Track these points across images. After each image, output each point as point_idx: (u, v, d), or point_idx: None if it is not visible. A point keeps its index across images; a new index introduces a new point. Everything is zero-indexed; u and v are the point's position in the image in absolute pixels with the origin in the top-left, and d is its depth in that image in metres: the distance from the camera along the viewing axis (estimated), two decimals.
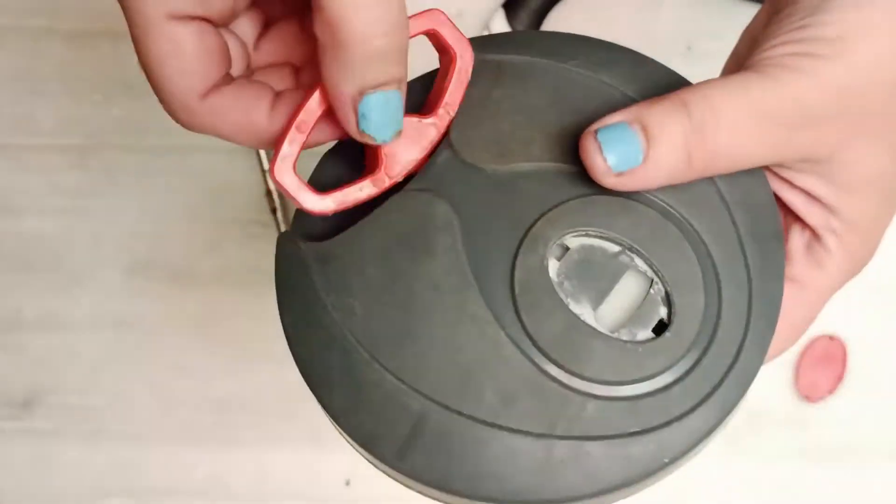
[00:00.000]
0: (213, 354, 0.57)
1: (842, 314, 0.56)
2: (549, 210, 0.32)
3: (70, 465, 0.56)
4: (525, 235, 0.32)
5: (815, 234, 0.35)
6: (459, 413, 0.31)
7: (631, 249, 0.32)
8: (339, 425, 0.32)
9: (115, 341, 0.57)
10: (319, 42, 0.30)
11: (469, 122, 0.34)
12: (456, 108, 0.33)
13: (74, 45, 0.58)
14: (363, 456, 0.33)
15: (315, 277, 0.32)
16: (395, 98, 0.31)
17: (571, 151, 0.33)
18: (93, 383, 0.57)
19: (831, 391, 0.56)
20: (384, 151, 0.33)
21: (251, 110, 0.32)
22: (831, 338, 0.56)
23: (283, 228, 0.57)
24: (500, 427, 0.31)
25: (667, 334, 0.31)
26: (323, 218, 0.33)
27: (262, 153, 0.57)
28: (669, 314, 0.32)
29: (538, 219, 0.32)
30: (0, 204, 0.58)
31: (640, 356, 0.31)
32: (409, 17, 0.31)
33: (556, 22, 0.57)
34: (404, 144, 0.33)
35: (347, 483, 0.56)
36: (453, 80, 0.33)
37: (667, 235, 0.32)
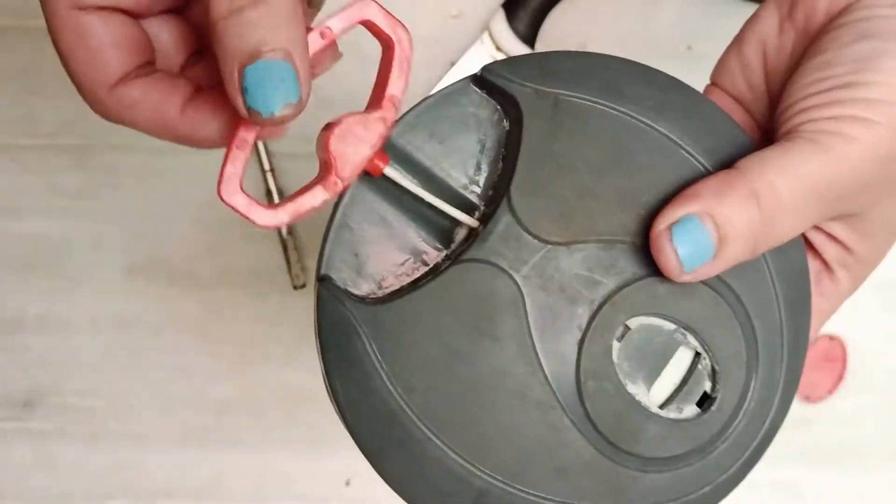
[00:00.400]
0: (214, 355, 0.57)
1: (842, 314, 0.56)
2: (616, 293, 0.32)
3: (70, 466, 0.56)
4: (591, 321, 0.32)
5: (826, 266, 0.36)
6: (521, 491, 0.32)
7: (685, 328, 0.33)
8: (397, 493, 0.33)
9: (116, 342, 0.57)
10: (206, 26, 0.30)
11: (530, 183, 0.32)
12: (400, 99, 0.32)
13: None
14: None
15: (368, 344, 0.32)
16: (280, 67, 0.29)
17: (637, 227, 0.32)
18: (93, 384, 0.57)
19: (831, 391, 0.56)
20: (332, 153, 0.31)
21: (162, 105, 0.32)
22: (831, 338, 0.56)
23: (283, 229, 0.57)
24: (556, 501, 0.32)
25: (711, 410, 0.33)
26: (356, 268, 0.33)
27: (263, 153, 0.57)
28: (713, 388, 0.33)
29: (605, 302, 0.32)
30: (0, 204, 0.58)
31: (687, 432, 0.33)
32: (340, 10, 0.31)
33: (556, 22, 0.57)
34: (352, 143, 0.31)
35: (347, 483, 0.56)
36: (394, 69, 0.31)
37: (718, 312, 0.33)
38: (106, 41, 0.31)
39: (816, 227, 0.35)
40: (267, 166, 0.57)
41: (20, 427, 0.57)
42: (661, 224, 0.31)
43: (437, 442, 0.31)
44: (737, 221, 0.31)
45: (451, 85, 0.33)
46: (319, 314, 0.32)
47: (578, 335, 0.32)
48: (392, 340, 0.32)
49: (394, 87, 0.32)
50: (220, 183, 0.31)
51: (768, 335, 0.33)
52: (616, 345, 0.32)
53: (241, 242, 0.57)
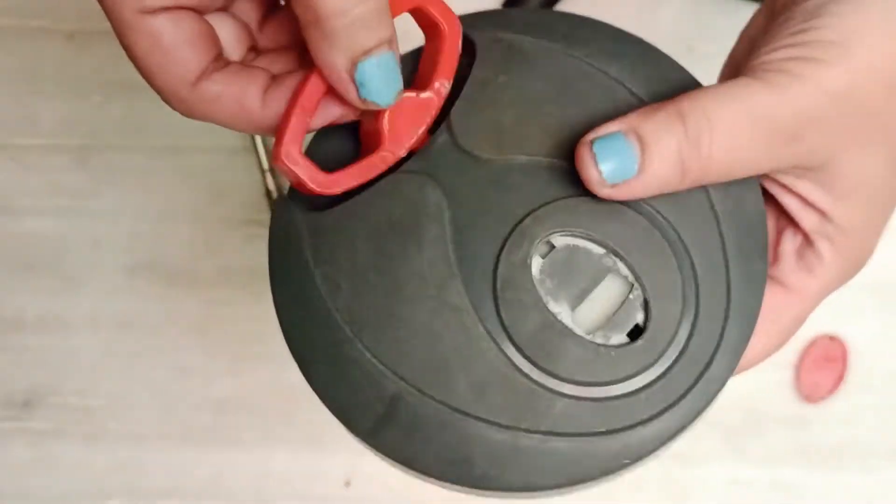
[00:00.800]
0: (213, 355, 0.57)
1: (842, 314, 0.56)
2: (539, 207, 0.32)
3: (70, 465, 0.56)
4: (512, 231, 0.32)
5: (807, 239, 0.35)
6: (432, 398, 0.32)
7: (615, 253, 0.32)
8: (318, 397, 0.33)
9: (116, 341, 0.57)
10: (301, 22, 0.30)
11: (471, 107, 0.34)
12: (450, 83, 0.33)
13: (74, 45, 0.58)
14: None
15: (306, 248, 0.33)
16: (389, 59, 0.31)
17: (568, 149, 0.33)
18: (93, 384, 0.57)
19: (832, 391, 0.56)
20: (386, 128, 0.33)
21: (244, 95, 0.32)
22: (831, 338, 0.56)
23: None
24: (470, 415, 0.31)
25: (640, 341, 0.32)
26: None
27: (262, 153, 0.57)
28: (646, 320, 0.32)
29: (527, 215, 0.32)
30: (0, 204, 0.58)
31: (612, 360, 0.32)
32: None
33: None
34: (405, 121, 0.33)
35: (347, 483, 0.56)
36: (446, 53, 0.33)
37: (652, 243, 0.32)
38: (179, 40, 0.31)
39: (788, 190, 0.34)
40: (266, 166, 0.57)
41: (19, 427, 0.57)
42: (585, 138, 0.31)
43: (358, 344, 0.32)
44: (661, 135, 0.31)
45: None
46: (272, 224, 0.34)
47: (498, 244, 0.32)
48: (328, 244, 0.33)
49: (444, 72, 0.33)
50: (277, 147, 0.32)
51: (710, 275, 0.32)
52: (539, 260, 0.32)
53: (241, 242, 0.57)
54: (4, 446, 0.57)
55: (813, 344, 0.56)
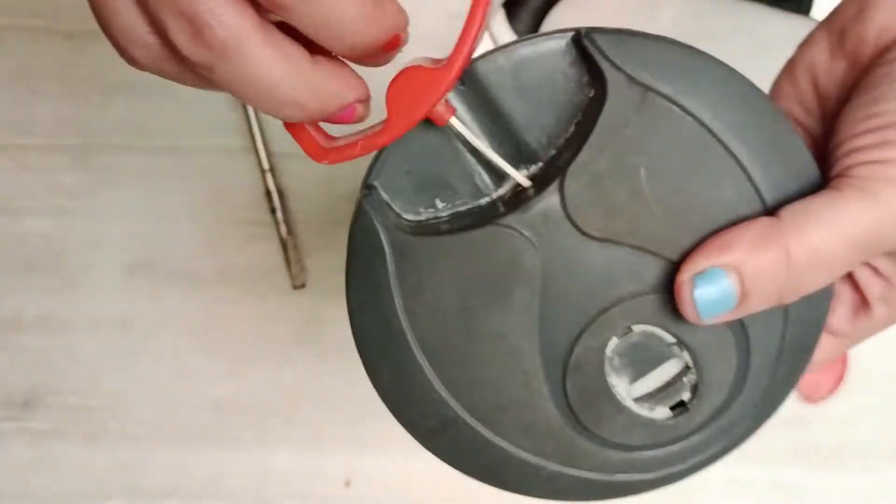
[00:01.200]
0: (213, 355, 0.57)
1: None
2: (629, 299, 0.33)
3: (70, 466, 0.56)
4: (598, 316, 0.33)
5: (864, 300, 0.35)
6: (484, 429, 0.34)
7: (683, 343, 0.33)
8: (379, 397, 0.35)
9: (115, 341, 0.57)
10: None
11: (588, 169, 0.32)
12: (467, 57, 0.31)
13: (74, 46, 0.58)
14: None
15: (391, 267, 0.33)
16: None
17: (672, 242, 0.32)
18: (93, 384, 0.57)
19: (832, 391, 0.56)
20: (389, 104, 0.31)
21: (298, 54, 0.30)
22: None
23: (282, 228, 0.57)
24: (511, 444, 0.35)
25: (679, 418, 0.34)
26: (402, 193, 0.33)
27: (262, 153, 0.57)
28: (690, 400, 0.34)
29: (615, 304, 0.33)
30: (0, 204, 0.58)
31: (650, 429, 0.34)
32: None
33: (556, 22, 0.57)
34: (409, 98, 0.31)
35: (347, 483, 0.56)
36: (466, 27, 0.31)
37: (720, 342, 0.33)
38: None
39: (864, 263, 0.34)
40: (266, 166, 0.57)
41: (19, 427, 0.57)
42: (686, 273, 0.32)
43: (428, 369, 0.34)
44: (764, 278, 0.31)
45: (549, 35, 0.33)
46: (355, 222, 0.33)
47: (581, 323, 0.33)
48: (414, 272, 0.33)
49: (462, 46, 0.31)
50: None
51: (760, 371, 0.34)
52: (614, 340, 0.34)
53: (241, 242, 0.57)
54: (4, 446, 0.57)
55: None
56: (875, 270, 0.35)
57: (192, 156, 0.58)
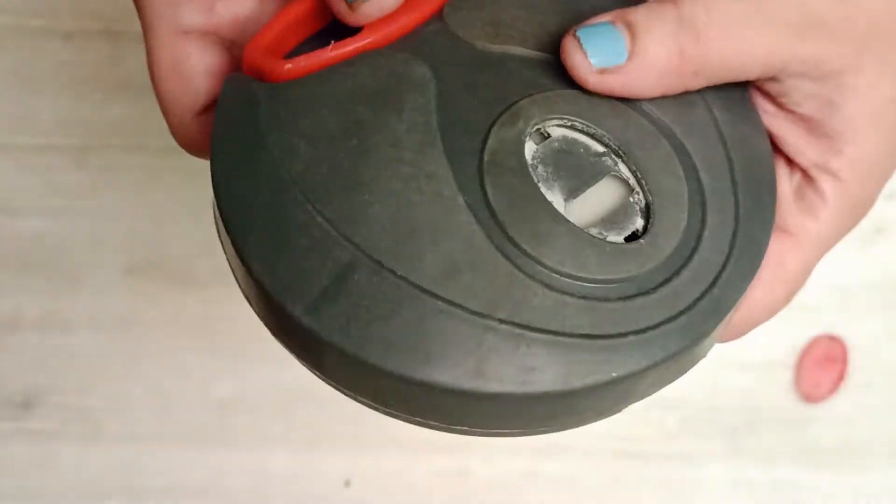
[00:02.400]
0: (213, 355, 0.57)
1: (842, 314, 0.56)
2: (537, 93, 0.29)
3: (69, 466, 0.56)
4: (506, 109, 0.29)
5: (806, 177, 0.31)
6: (392, 272, 0.27)
7: (616, 153, 0.29)
8: (251, 272, 0.28)
9: (115, 341, 0.57)
10: None
11: (466, 5, 0.31)
12: None
13: (74, 45, 0.58)
14: (268, 323, 0.30)
15: (261, 114, 0.29)
16: None
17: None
18: (92, 383, 0.57)
19: (832, 391, 0.56)
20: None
21: None
22: (832, 338, 0.56)
23: None
24: (435, 296, 0.26)
25: (640, 241, 0.28)
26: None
27: None
28: (646, 226, 0.29)
29: (523, 97, 0.29)
30: (0, 204, 0.58)
31: (606, 256, 0.28)
32: None
33: None
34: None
35: (347, 483, 0.56)
36: None
37: (658, 148, 0.29)
38: (199, 69, 0.31)
39: (789, 112, 0.31)
40: None
41: (19, 427, 0.57)
42: (571, 30, 0.29)
43: (308, 206, 0.27)
44: (652, 19, 0.29)
45: None
46: (220, 98, 0.30)
47: (489, 118, 0.29)
48: (289, 111, 0.29)
49: None
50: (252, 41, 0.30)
51: (717, 193, 0.29)
52: (532, 146, 0.29)
53: None
54: (3, 446, 0.57)
55: (813, 344, 0.56)
56: (808, 126, 0.31)
57: (192, 156, 0.58)
